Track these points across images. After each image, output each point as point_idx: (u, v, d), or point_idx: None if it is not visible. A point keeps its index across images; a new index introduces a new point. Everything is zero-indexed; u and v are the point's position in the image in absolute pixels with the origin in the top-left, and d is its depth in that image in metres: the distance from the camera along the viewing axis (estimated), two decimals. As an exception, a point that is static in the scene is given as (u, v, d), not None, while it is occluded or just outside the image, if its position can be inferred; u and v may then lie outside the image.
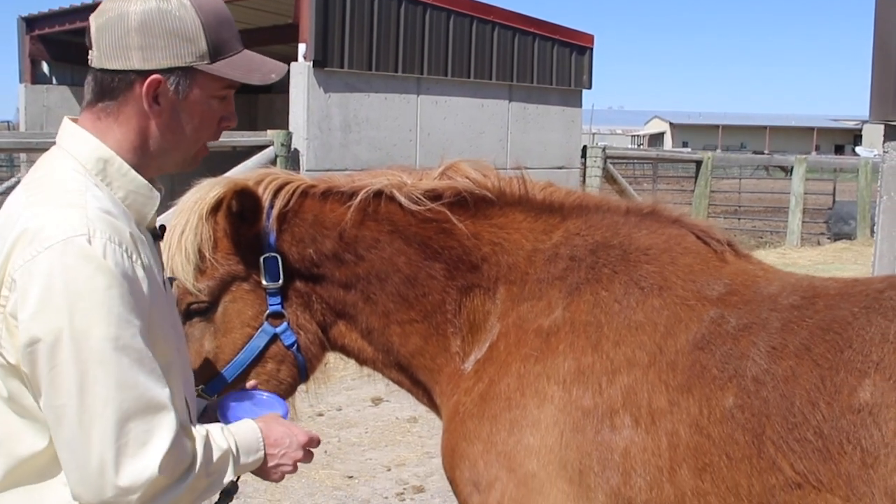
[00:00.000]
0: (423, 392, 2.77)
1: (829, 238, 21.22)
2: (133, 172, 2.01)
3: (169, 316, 2.08)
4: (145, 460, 1.83)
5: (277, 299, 2.58)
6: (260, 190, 2.64)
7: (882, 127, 6.39)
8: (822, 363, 2.03)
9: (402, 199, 2.60)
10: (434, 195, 2.61)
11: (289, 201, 2.65)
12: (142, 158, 2.02)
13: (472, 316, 2.58)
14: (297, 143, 12.11)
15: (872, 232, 20.04)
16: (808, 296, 2.21)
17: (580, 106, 16.39)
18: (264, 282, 2.56)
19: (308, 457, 2.24)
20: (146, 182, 2.03)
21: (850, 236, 20.33)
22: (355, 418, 7.43)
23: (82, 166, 1.98)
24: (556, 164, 15.56)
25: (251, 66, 2.06)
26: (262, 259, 2.57)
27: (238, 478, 2.44)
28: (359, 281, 2.65)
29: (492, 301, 2.56)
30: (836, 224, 21.64)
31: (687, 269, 2.38)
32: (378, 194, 2.63)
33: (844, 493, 1.91)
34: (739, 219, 24.61)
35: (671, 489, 2.10)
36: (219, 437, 2.02)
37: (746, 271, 2.41)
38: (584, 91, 16.25)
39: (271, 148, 11.78)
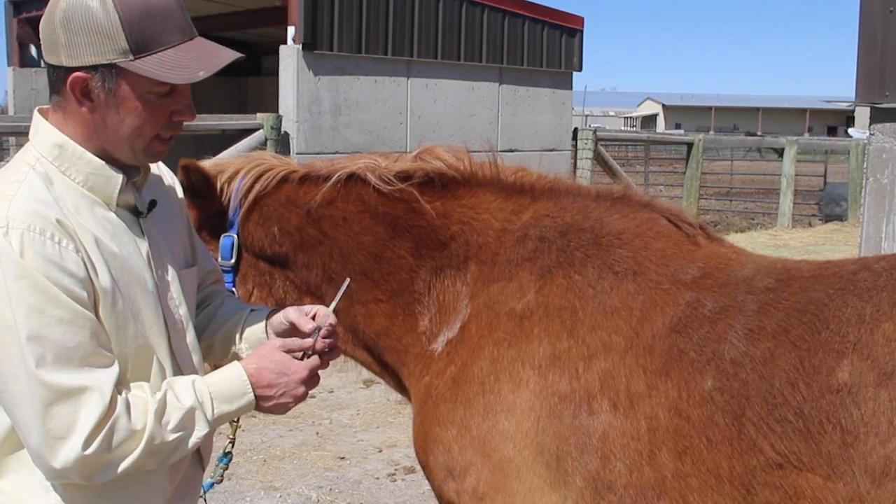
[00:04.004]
0: (391, 375, 2.78)
1: (820, 219, 21.26)
2: (89, 155, 2.00)
3: (150, 294, 2.06)
4: (72, 442, 1.85)
5: (230, 276, 2.72)
6: (229, 172, 2.80)
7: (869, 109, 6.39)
8: (801, 344, 2.03)
9: (373, 180, 2.67)
10: (405, 176, 2.68)
11: (267, 185, 2.78)
12: (96, 148, 2.02)
13: (442, 296, 2.59)
14: (286, 126, 12.08)
15: (864, 213, 20.18)
16: (783, 278, 2.21)
17: (570, 88, 16.37)
18: (219, 259, 2.72)
19: (313, 384, 2.19)
20: (103, 163, 2.02)
21: (841, 218, 20.38)
22: (347, 400, 7.47)
23: (40, 155, 1.99)
24: (547, 146, 15.55)
25: (180, 63, 1.96)
26: (220, 238, 2.75)
27: (232, 444, 2.49)
28: (321, 259, 2.70)
29: (462, 281, 2.56)
30: (827, 205, 21.68)
31: (660, 254, 2.38)
32: (351, 176, 2.72)
33: (825, 471, 1.92)
34: (731, 200, 24.63)
35: (651, 472, 2.10)
36: (183, 394, 2.01)
37: (719, 254, 2.41)
38: (575, 73, 16.23)
39: (261, 131, 11.74)
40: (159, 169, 2.34)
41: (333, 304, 2.27)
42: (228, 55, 2.04)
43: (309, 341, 2.19)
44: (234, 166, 2.87)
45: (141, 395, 1.98)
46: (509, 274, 2.48)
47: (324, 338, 2.21)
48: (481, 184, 2.66)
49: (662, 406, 2.13)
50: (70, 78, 1.94)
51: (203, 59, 2.00)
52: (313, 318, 2.26)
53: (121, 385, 1.95)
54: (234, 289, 2.76)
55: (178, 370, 2.15)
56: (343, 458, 6.18)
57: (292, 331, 2.26)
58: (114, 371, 1.93)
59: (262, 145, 11.48)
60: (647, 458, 2.11)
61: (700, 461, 2.05)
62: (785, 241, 17.02)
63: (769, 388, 2.01)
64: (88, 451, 1.86)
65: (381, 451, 6.33)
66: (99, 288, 1.93)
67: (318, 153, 12.13)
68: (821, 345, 2.01)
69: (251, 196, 2.78)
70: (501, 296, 2.46)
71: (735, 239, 15.11)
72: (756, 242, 15.62)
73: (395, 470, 5.97)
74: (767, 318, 2.11)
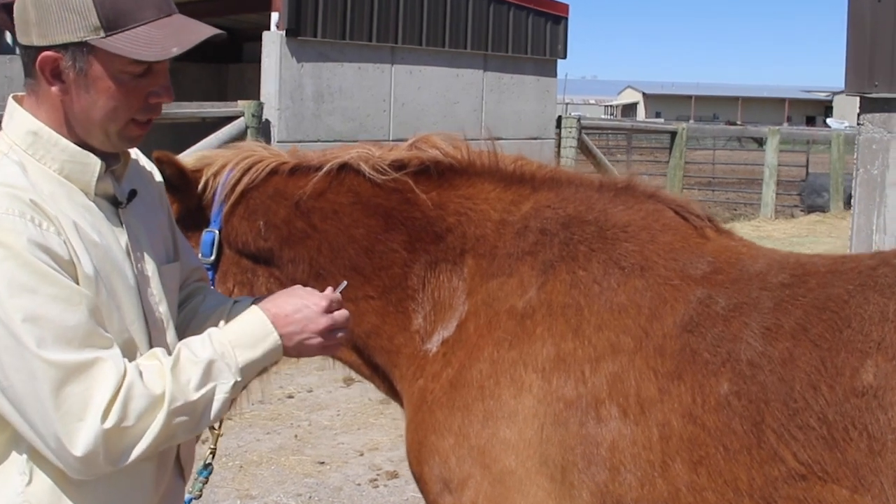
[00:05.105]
0: (382, 378, 2.65)
1: (802, 210, 21.30)
2: (64, 141, 1.90)
3: (131, 289, 1.95)
4: (90, 420, 1.72)
5: (210, 274, 2.60)
6: (216, 166, 2.67)
7: (857, 99, 6.35)
8: (821, 344, 1.92)
9: (367, 170, 2.55)
10: (399, 165, 2.56)
11: (256, 178, 2.65)
12: (71, 134, 1.92)
13: (437, 292, 2.46)
14: (268, 113, 11.91)
15: (846, 205, 20.28)
16: (798, 273, 2.11)
17: (555, 76, 16.26)
18: (199, 255, 2.58)
19: (334, 325, 2.01)
20: (79, 149, 1.91)
21: (823, 209, 20.43)
22: (326, 400, 7.28)
23: (13, 143, 1.89)
24: (531, 134, 15.45)
25: (153, 40, 1.85)
26: (201, 233, 2.63)
27: (213, 454, 2.37)
28: (308, 254, 2.58)
29: (459, 276, 2.44)
30: (809, 196, 21.73)
31: (668, 247, 2.27)
32: (343, 167, 2.60)
33: (852, 483, 1.81)
34: (714, 190, 24.62)
35: (664, 485, 1.97)
36: (200, 349, 1.88)
37: (729, 248, 2.31)
38: (559, 61, 16.13)
39: (242, 119, 11.56)
40: (139, 158, 2.22)
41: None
42: (205, 31, 1.92)
43: (328, 289, 2.07)
44: (221, 159, 2.74)
45: (154, 362, 1.86)
46: (509, 269, 2.36)
47: None
48: (479, 173, 2.54)
49: (676, 412, 2.00)
50: (40, 58, 1.83)
51: (178, 34, 1.88)
52: None
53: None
54: (213, 287, 2.63)
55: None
56: (323, 462, 5.98)
57: None
58: (117, 349, 1.81)
59: (243, 133, 11.31)
60: (659, 470, 1.99)
61: (717, 472, 1.93)
62: (769, 232, 17.02)
63: (789, 392, 1.90)
64: (107, 425, 1.72)
65: (362, 454, 6.15)
66: (82, 274, 1.82)
67: (299, 141, 11.96)
68: (843, 344, 1.90)
69: (238, 189, 2.65)
70: (501, 292, 2.33)
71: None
72: (740, 234, 15.41)
73: (378, 475, 5.79)
74: (785, 315, 2.00)
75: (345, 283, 2.20)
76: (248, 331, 1.95)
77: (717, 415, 1.96)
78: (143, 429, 1.78)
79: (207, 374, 1.86)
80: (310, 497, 5.48)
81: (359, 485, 5.68)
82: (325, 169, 2.60)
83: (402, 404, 2.58)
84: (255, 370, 1.96)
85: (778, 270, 2.14)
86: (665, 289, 2.19)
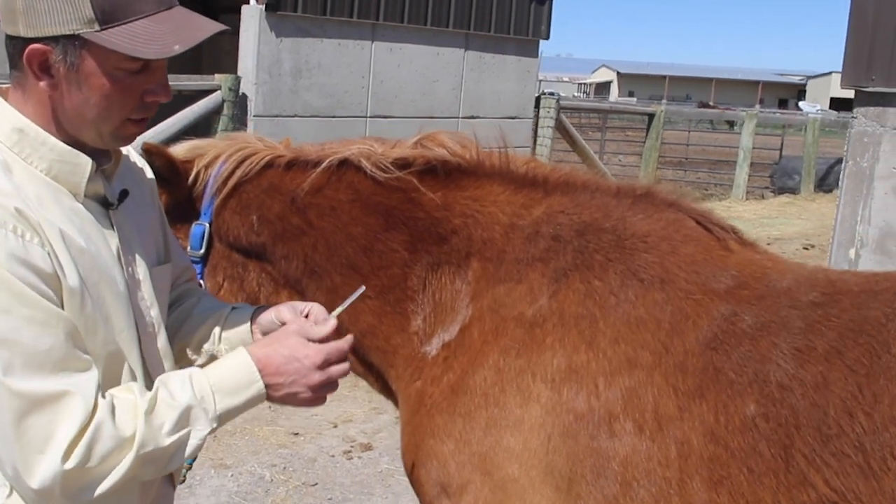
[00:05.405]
0: (376, 377, 2.57)
1: (772, 191, 21.44)
2: (53, 139, 1.77)
3: (121, 295, 1.84)
4: (50, 455, 1.62)
5: (198, 267, 2.53)
6: (208, 157, 2.58)
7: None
8: (858, 369, 1.85)
9: (368, 167, 2.45)
10: (403, 163, 2.45)
11: (250, 171, 2.55)
12: (60, 131, 1.79)
13: (438, 294, 2.37)
14: (245, 88, 11.72)
15: (816, 187, 20.46)
16: (830, 292, 2.03)
17: (537, 56, 16.13)
18: (187, 249, 2.52)
19: (328, 381, 1.90)
20: (69, 148, 1.79)
21: (794, 191, 20.60)
22: (300, 371, 7.29)
23: None
24: (510, 113, 15.34)
25: (153, 35, 1.71)
26: (191, 226, 2.56)
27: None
28: (303, 251, 2.48)
29: (463, 279, 2.34)
30: (780, 178, 21.88)
31: (690, 259, 2.17)
32: (343, 162, 2.49)
33: None
34: (685, 171, 24.71)
35: (680, 502, 1.92)
36: (179, 390, 1.77)
37: (754, 262, 2.21)
38: (541, 41, 16.01)
39: (218, 93, 11.36)
40: (130, 154, 2.10)
41: (339, 310, 2.06)
42: (209, 27, 1.79)
43: (330, 325, 1.95)
44: (214, 150, 2.63)
45: (128, 398, 1.74)
46: (518, 275, 2.26)
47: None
48: (488, 174, 2.44)
49: (696, 431, 1.93)
50: (27, 50, 1.69)
51: (180, 31, 1.75)
52: (306, 316, 2.04)
53: (101, 390, 1.72)
54: (202, 280, 2.55)
55: (150, 379, 1.92)
56: (297, 433, 5.97)
57: None
58: (93, 374, 1.70)
59: (220, 107, 11.16)
60: (676, 488, 1.92)
61: (739, 493, 1.87)
62: (739, 213, 17.13)
63: (823, 417, 1.83)
64: (68, 466, 1.62)
65: (336, 426, 6.14)
66: (66, 287, 1.70)
67: (276, 116, 11.84)
68: (882, 370, 1.83)
69: (231, 182, 2.55)
70: (509, 298, 2.24)
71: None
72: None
73: (352, 447, 5.80)
74: (817, 337, 1.92)
75: (362, 287, 2.11)
76: (233, 376, 1.84)
77: (743, 436, 1.90)
78: (107, 470, 1.68)
79: (183, 419, 1.76)
80: (284, 468, 5.48)
81: (333, 456, 5.68)
82: (324, 164, 2.50)
83: (396, 404, 2.52)
84: (235, 416, 1.87)
85: (807, 288, 2.07)
86: (687, 303, 2.10)
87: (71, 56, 1.71)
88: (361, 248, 2.43)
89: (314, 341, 1.93)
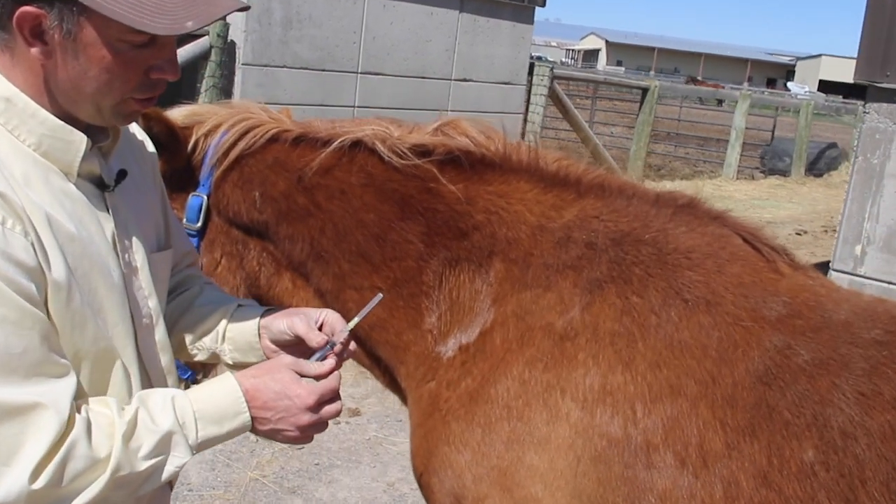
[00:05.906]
0: (383, 371, 2.41)
1: (762, 172, 21.37)
2: (44, 112, 1.58)
3: (115, 286, 1.67)
4: (16, 471, 1.45)
5: (195, 241, 2.39)
6: (208, 125, 2.40)
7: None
8: None
9: (384, 152, 2.26)
10: (423, 151, 2.25)
11: (253, 144, 2.36)
12: (52, 104, 1.58)
13: (456, 292, 2.19)
14: (234, 35, 11.39)
15: (807, 170, 20.39)
16: (894, 330, 1.84)
17: (532, 23, 15.82)
18: (183, 221, 2.37)
19: (318, 422, 1.77)
20: (62, 123, 1.59)
21: (784, 173, 20.56)
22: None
23: None
24: (503, 79, 15.08)
25: (163, 7, 1.50)
26: (188, 197, 2.40)
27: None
28: (309, 233, 2.31)
29: (484, 279, 2.16)
30: (770, 160, 21.82)
31: (737, 281, 1.98)
32: (357, 144, 2.29)
33: None
34: (675, 146, 24.54)
35: None
36: (160, 414, 1.62)
37: (807, 288, 2.01)
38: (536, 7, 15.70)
39: (206, 38, 11.02)
40: (129, 126, 1.88)
41: (356, 321, 1.90)
42: (228, 4, 1.56)
43: (327, 365, 1.82)
44: (215, 118, 2.42)
45: (106, 414, 1.57)
46: (546, 281, 2.07)
47: (336, 354, 1.85)
48: (515, 169, 2.23)
49: (746, 471, 1.77)
50: (18, 12, 1.47)
51: (194, 4, 1.53)
52: (320, 327, 1.89)
53: (79, 399, 1.55)
54: (198, 252, 2.38)
55: (146, 375, 1.76)
56: (284, 399, 5.86)
57: (297, 345, 1.89)
58: (70, 383, 1.52)
59: (207, 53, 10.84)
60: None
61: None
62: (730, 192, 17.06)
63: (892, 472, 1.66)
64: (36, 486, 1.45)
65: (324, 391, 6.03)
66: (51, 280, 1.52)
67: (265, 65, 11.55)
68: None
69: (233, 154, 2.35)
70: (536, 306, 2.06)
71: (680, 185, 15.03)
72: (701, 192, 15.43)
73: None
74: (883, 382, 1.75)
75: (380, 295, 1.95)
76: (218, 403, 1.69)
77: (799, 483, 1.74)
78: (77, 490, 1.52)
79: (162, 445, 1.60)
80: (272, 433, 5.36)
81: (320, 420, 5.58)
82: (335, 144, 2.30)
83: (404, 401, 2.37)
84: (216, 444, 1.72)
85: (869, 323, 1.88)
86: (735, 330, 1.91)
87: (68, 22, 1.50)
88: (373, 235, 2.26)
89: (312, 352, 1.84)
